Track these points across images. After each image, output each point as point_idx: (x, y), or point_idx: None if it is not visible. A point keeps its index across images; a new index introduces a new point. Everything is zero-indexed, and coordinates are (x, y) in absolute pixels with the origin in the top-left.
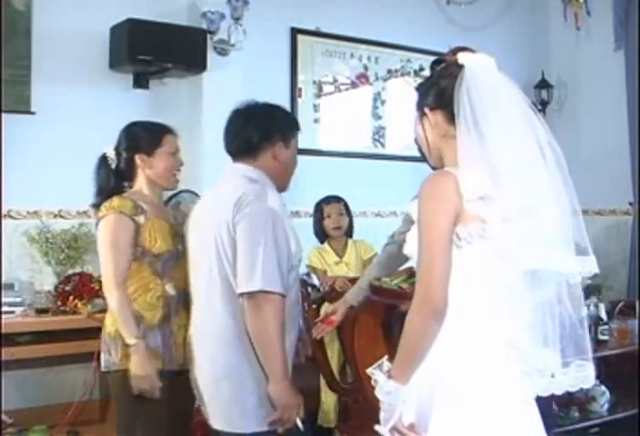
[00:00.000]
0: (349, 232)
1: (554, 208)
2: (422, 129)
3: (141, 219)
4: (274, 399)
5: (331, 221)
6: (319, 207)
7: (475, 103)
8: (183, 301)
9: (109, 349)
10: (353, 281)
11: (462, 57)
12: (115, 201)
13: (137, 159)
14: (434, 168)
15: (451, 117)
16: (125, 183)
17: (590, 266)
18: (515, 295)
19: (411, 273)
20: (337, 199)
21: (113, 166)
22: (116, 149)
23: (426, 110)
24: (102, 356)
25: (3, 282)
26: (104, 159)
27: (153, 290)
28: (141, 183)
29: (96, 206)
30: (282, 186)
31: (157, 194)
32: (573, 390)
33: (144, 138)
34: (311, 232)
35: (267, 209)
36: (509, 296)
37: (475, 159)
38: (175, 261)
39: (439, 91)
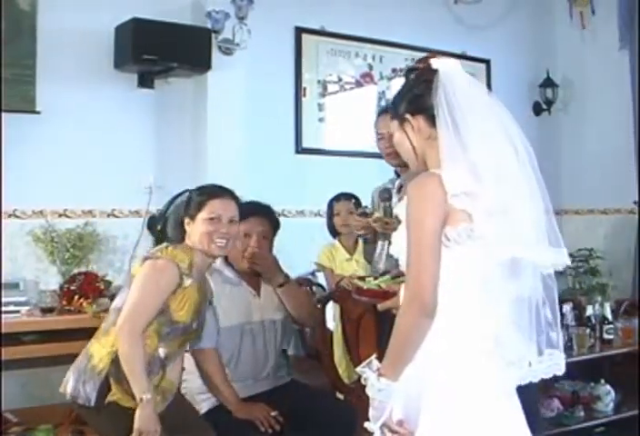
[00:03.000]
0: None
1: (528, 204)
2: (405, 135)
3: (187, 282)
4: None
5: (340, 219)
6: (330, 204)
7: (452, 104)
8: (164, 363)
9: (89, 381)
10: (362, 279)
11: (435, 62)
12: (177, 251)
13: (185, 223)
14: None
15: (432, 120)
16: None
17: (562, 258)
18: (497, 290)
19: (395, 275)
20: (348, 197)
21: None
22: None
23: (407, 116)
24: (71, 385)
25: (9, 281)
26: (163, 215)
27: (146, 346)
28: (192, 245)
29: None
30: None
31: (206, 261)
32: (547, 376)
33: (190, 202)
34: (316, 230)
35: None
36: (492, 291)
37: (456, 158)
38: (181, 332)
39: (417, 96)
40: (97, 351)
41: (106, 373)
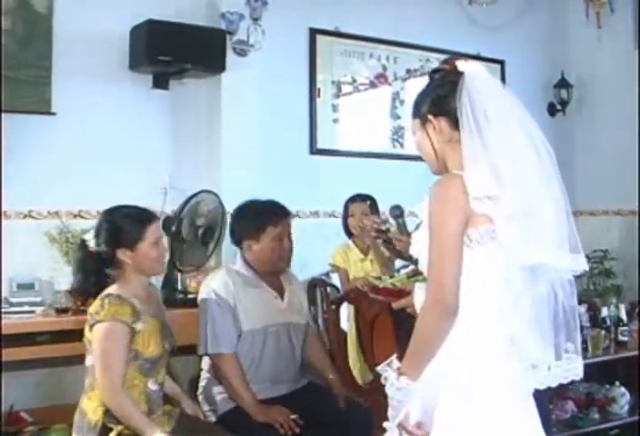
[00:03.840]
0: None
1: (550, 208)
2: (426, 135)
3: (138, 325)
4: None
5: (354, 220)
6: (346, 205)
7: (476, 107)
8: (161, 393)
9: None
10: (378, 278)
11: (461, 65)
12: (113, 306)
13: (119, 254)
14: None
15: (454, 123)
16: (108, 269)
17: (581, 263)
18: (517, 292)
19: (412, 274)
20: (363, 198)
21: (93, 251)
22: (96, 238)
23: (430, 116)
24: None
25: (24, 281)
26: (83, 245)
27: (137, 386)
28: (127, 274)
29: (78, 291)
30: None
31: (145, 282)
32: (565, 381)
33: (125, 232)
34: (331, 230)
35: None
36: (511, 293)
37: (479, 161)
38: (161, 360)
39: (441, 98)
40: (88, 406)
41: (102, 423)
